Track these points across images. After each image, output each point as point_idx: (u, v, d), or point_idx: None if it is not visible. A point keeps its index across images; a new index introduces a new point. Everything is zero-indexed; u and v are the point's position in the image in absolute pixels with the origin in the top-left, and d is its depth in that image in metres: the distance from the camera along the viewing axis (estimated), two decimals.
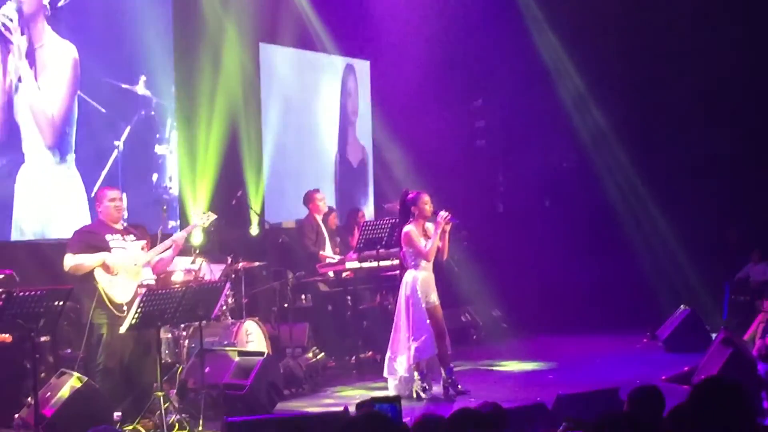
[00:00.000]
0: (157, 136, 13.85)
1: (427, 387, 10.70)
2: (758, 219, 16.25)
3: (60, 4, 12.43)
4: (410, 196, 10.90)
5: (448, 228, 10.80)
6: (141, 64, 13.50)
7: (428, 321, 10.66)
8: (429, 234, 10.81)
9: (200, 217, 10.61)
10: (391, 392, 10.44)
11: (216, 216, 10.67)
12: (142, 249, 9.85)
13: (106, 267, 9.54)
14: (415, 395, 10.61)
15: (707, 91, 16.43)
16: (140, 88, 13.52)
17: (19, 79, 11.92)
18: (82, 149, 12.65)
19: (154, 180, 13.67)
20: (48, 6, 12.24)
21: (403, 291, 10.77)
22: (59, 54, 12.44)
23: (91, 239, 9.72)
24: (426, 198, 10.83)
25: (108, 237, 9.72)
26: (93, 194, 12.35)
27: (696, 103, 16.64)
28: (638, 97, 17.39)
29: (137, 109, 13.55)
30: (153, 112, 13.76)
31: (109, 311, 9.46)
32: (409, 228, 10.76)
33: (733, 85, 16.29)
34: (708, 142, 16.58)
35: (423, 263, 10.74)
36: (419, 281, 10.70)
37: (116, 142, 13.09)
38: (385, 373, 10.82)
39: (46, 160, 12.26)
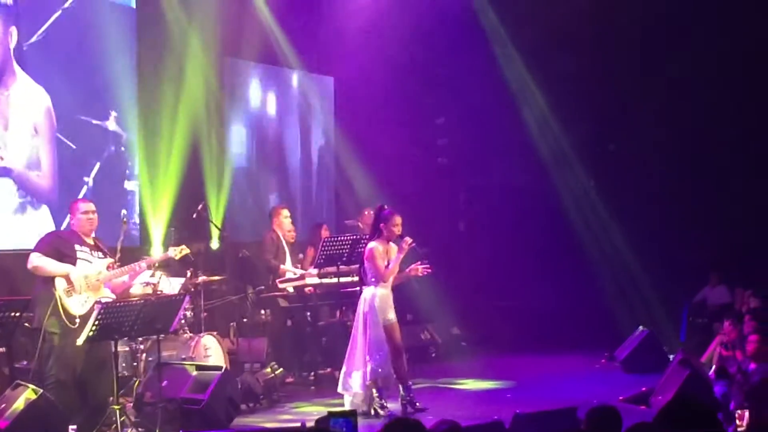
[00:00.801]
0: (127, 171, 13.75)
1: (384, 404, 10.68)
2: (716, 242, 16.37)
3: (32, 40, 12.29)
4: (384, 212, 10.89)
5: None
6: (110, 100, 13.39)
7: (385, 339, 10.65)
8: (390, 255, 10.82)
9: (174, 250, 10.63)
10: (347, 408, 10.40)
11: (189, 251, 10.83)
12: (108, 268, 9.83)
13: (68, 280, 9.50)
14: (373, 412, 10.58)
15: (669, 114, 16.56)
16: (111, 124, 13.40)
17: None
18: (51, 187, 12.52)
19: (123, 215, 13.50)
20: (13, 50, 12.08)
21: (362, 307, 10.74)
22: (32, 101, 12.30)
23: (60, 245, 9.72)
24: (397, 220, 10.81)
25: (77, 247, 9.71)
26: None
27: (657, 127, 16.76)
28: (600, 118, 17.50)
29: (107, 145, 13.43)
30: (123, 148, 13.65)
31: (62, 321, 9.39)
32: (373, 245, 10.77)
33: (694, 109, 16.39)
34: (668, 165, 16.74)
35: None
36: (377, 298, 10.68)
37: (86, 179, 12.96)
38: (340, 389, 10.78)
39: (14, 202, 12.11)
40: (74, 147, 12.79)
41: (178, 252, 10.59)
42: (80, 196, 12.68)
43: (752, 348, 10.53)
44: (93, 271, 9.69)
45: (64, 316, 9.40)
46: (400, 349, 10.85)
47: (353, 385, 10.64)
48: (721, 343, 11.59)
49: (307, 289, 13.22)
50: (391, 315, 10.78)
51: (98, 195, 12.80)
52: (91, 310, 9.34)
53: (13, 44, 12.08)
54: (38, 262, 9.56)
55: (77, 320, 9.39)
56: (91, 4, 13.29)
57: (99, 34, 13.11)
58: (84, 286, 9.59)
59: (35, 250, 9.68)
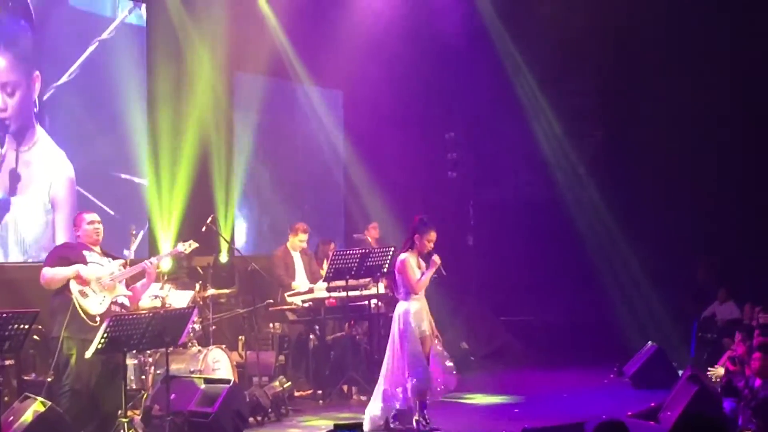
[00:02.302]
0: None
1: (426, 417, 10.46)
2: (726, 258, 16.33)
3: (61, 81, 11.83)
4: (423, 224, 10.60)
5: None
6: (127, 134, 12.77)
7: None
8: (420, 267, 10.61)
9: (183, 245, 10.57)
10: (366, 422, 10.34)
11: (198, 245, 10.71)
12: (120, 268, 9.84)
13: (80, 279, 9.51)
14: (415, 425, 10.35)
15: (680, 130, 16.55)
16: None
17: (10, 192, 11.56)
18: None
19: (132, 229, 12.69)
20: (37, 98, 11.70)
21: (397, 324, 10.49)
22: (52, 168, 11.95)
23: (68, 252, 9.75)
24: (433, 235, 10.56)
25: (86, 253, 9.73)
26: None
27: (667, 142, 16.75)
28: (610, 133, 17.49)
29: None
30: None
31: (82, 324, 9.37)
32: (405, 257, 10.52)
33: (704, 124, 16.38)
34: (679, 181, 16.72)
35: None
36: (412, 313, 10.43)
37: (126, 251, 11.30)
38: (378, 402, 10.47)
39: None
40: (112, 213, 12.32)
41: (187, 246, 10.50)
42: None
43: (757, 365, 10.48)
44: (105, 272, 9.70)
45: (84, 317, 9.41)
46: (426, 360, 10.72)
47: (396, 401, 10.43)
48: (729, 357, 11.56)
49: (327, 302, 13.09)
50: (425, 326, 10.52)
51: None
52: (110, 308, 9.39)
53: (37, 91, 11.81)
54: (50, 273, 9.55)
55: (98, 319, 9.39)
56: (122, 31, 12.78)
57: (114, 65, 12.87)
58: (98, 284, 9.60)
59: (45, 265, 9.69)
